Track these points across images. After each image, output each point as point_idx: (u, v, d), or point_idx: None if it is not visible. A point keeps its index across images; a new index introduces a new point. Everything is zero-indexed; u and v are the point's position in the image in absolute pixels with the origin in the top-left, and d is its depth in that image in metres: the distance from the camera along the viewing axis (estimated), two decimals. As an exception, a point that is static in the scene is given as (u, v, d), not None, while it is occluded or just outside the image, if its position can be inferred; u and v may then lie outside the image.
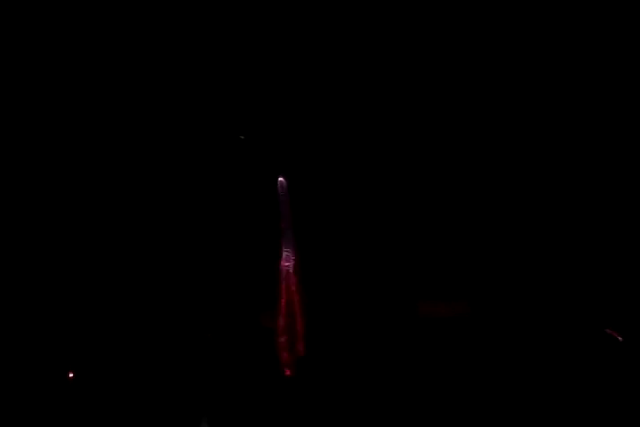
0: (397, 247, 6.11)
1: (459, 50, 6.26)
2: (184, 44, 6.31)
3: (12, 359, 5.54)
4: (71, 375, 5.57)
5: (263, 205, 6.18)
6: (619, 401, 5.08)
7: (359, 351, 5.54)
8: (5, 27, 6.06)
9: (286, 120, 6.35)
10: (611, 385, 5.17)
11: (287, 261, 5.93)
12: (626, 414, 5.03)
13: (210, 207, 6.25)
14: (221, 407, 5.36)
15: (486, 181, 6.14)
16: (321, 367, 5.48)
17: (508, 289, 5.79)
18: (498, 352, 5.42)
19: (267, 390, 5.44)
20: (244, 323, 5.91)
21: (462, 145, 6.20)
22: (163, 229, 6.19)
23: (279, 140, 6.36)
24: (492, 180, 6.13)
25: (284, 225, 6.01)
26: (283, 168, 6.23)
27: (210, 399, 5.40)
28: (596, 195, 5.96)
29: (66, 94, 6.24)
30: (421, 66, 6.32)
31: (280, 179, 6.12)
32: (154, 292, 5.99)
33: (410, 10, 6.20)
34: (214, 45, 6.37)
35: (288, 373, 5.64)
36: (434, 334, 5.61)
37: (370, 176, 6.28)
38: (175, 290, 6.01)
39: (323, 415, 5.21)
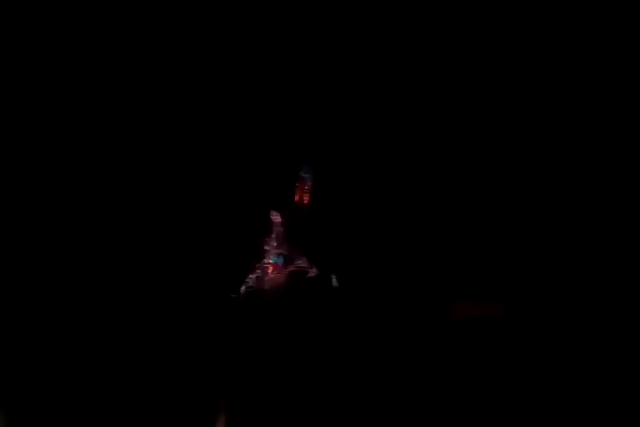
0: (430, 247, 6.03)
1: (459, 50, 6.30)
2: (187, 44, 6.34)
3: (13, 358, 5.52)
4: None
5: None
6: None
7: (390, 353, 5.43)
8: (5, 27, 6.08)
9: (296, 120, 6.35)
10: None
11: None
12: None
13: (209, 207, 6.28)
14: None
15: (519, 183, 6.07)
16: (350, 369, 5.39)
17: (543, 290, 5.67)
18: (531, 355, 5.33)
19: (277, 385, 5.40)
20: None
21: (493, 147, 6.16)
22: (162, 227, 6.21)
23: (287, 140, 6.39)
24: (525, 181, 6.06)
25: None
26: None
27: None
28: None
29: (66, 94, 6.25)
30: (424, 66, 6.36)
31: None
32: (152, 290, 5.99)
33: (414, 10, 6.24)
34: (216, 46, 6.41)
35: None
36: (467, 336, 5.53)
37: (400, 178, 6.25)
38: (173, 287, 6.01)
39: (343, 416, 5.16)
